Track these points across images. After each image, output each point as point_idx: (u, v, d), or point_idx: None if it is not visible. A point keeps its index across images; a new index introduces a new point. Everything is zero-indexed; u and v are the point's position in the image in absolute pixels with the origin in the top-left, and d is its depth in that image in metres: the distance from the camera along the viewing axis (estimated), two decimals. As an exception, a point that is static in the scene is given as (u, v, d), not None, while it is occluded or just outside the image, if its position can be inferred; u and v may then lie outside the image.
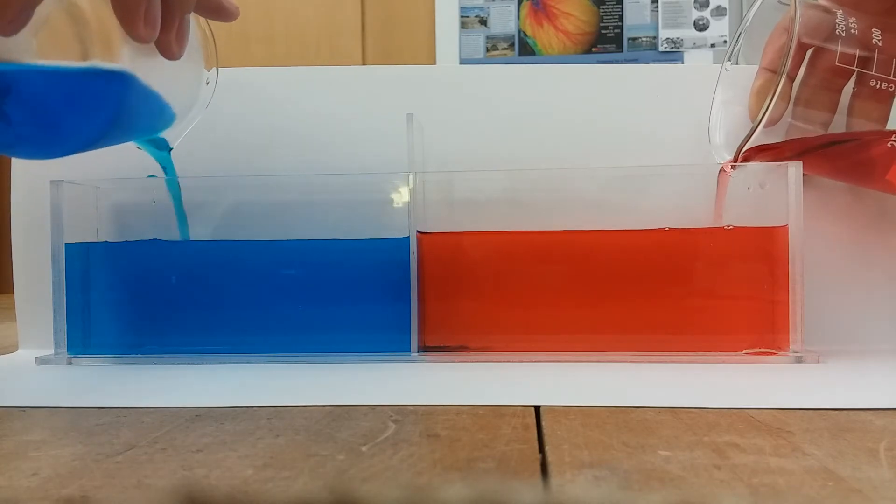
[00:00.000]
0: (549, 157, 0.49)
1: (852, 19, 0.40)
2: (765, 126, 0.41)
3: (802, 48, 0.41)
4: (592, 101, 0.50)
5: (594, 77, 0.50)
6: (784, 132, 0.42)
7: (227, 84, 0.51)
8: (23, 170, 0.51)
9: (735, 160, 0.43)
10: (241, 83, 0.51)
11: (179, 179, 0.46)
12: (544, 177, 0.48)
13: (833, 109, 0.43)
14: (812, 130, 0.42)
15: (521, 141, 0.50)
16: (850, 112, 0.42)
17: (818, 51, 0.41)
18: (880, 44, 0.40)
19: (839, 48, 0.40)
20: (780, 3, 0.43)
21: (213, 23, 0.38)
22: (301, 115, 0.51)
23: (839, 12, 0.40)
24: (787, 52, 0.40)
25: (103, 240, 0.49)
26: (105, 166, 0.49)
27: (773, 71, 0.44)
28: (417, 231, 0.44)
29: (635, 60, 1.83)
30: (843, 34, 0.40)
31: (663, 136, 0.49)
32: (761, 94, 0.44)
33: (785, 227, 0.41)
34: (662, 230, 0.44)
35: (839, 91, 0.42)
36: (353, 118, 0.51)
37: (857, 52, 0.40)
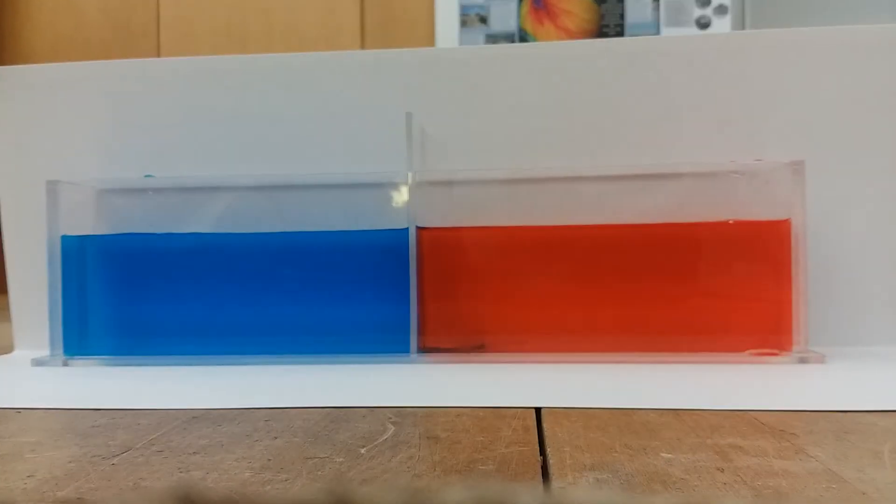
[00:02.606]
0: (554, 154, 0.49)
1: None
2: None
3: None
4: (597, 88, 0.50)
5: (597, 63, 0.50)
6: None
7: (224, 72, 0.51)
8: (8, 170, 0.51)
9: None
10: (240, 72, 0.51)
11: (180, 179, 0.45)
12: (544, 176, 0.48)
13: None
14: None
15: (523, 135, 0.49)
16: None
17: None
18: None
19: None
20: None
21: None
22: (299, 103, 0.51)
23: None
24: None
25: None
26: (103, 166, 0.49)
27: None
28: (417, 227, 0.43)
29: (636, 59, 1.83)
30: None
31: (670, 127, 0.49)
32: None
33: (787, 221, 0.41)
34: (665, 224, 0.43)
35: None
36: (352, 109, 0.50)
37: None
